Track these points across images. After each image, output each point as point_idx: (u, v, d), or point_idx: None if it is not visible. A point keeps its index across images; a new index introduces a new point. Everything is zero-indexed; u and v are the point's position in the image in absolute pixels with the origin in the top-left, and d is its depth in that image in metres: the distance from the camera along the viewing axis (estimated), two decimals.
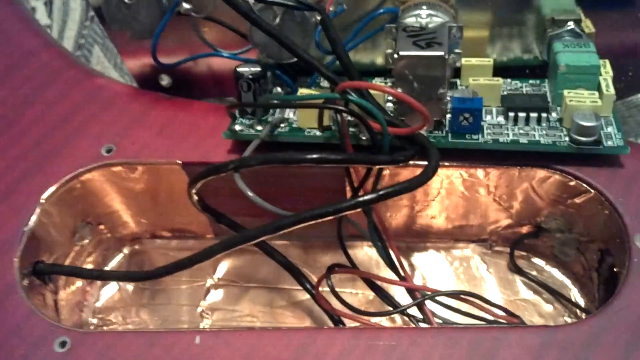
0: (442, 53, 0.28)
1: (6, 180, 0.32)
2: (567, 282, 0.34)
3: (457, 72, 0.33)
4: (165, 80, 0.35)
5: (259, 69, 0.31)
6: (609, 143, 0.29)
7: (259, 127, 0.31)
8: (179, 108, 0.34)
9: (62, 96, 0.34)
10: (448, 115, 0.31)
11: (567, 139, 0.29)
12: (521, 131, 0.30)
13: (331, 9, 0.31)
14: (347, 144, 0.28)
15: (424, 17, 0.31)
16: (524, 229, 0.34)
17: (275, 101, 0.31)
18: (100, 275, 0.35)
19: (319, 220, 0.25)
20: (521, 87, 0.33)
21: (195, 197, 0.30)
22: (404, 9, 0.32)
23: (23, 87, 0.35)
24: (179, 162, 0.32)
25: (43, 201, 0.32)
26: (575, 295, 0.34)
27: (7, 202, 0.32)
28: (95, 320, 0.35)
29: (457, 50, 0.31)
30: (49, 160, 0.33)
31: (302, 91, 0.31)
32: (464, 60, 0.32)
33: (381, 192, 0.25)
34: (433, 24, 0.31)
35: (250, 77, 0.31)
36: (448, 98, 0.30)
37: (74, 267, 0.34)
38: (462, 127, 0.30)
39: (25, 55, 0.36)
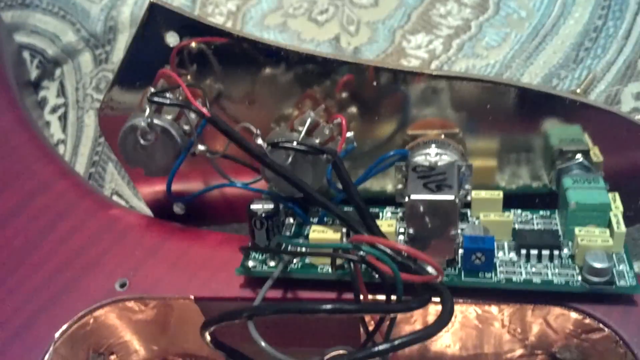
0: (452, 197, 0.28)
1: (21, 316, 0.32)
2: None
3: (467, 204, 0.33)
4: (179, 208, 0.35)
5: (271, 206, 0.32)
6: (622, 283, 0.29)
7: (272, 263, 0.31)
8: (192, 240, 0.34)
9: (77, 228, 0.35)
10: (460, 250, 0.31)
11: (579, 277, 0.29)
12: (534, 269, 0.30)
13: (342, 148, 0.31)
14: (362, 289, 0.28)
15: (432, 155, 0.32)
16: (539, 358, 0.34)
17: (286, 246, 0.32)
18: None
19: None
20: (532, 218, 0.33)
21: (208, 338, 0.30)
22: (413, 147, 0.32)
23: (39, 219, 0.35)
24: (192, 297, 0.32)
25: (57, 338, 0.32)
26: None
27: (21, 339, 0.32)
28: None
29: (467, 187, 0.31)
30: (63, 295, 0.33)
31: (314, 228, 0.31)
32: (473, 193, 0.32)
33: (395, 343, 0.25)
34: (442, 162, 0.31)
35: (263, 215, 0.31)
36: (459, 237, 0.30)
37: None
38: (475, 266, 0.30)
39: (42, 185, 0.37)
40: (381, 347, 0.25)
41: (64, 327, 0.32)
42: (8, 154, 0.38)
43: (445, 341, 0.34)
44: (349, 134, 0.32)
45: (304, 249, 0.31)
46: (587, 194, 0.30)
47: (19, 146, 0.39)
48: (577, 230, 0.30)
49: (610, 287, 0.29)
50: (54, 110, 0.49)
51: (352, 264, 0.28)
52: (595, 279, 0.29)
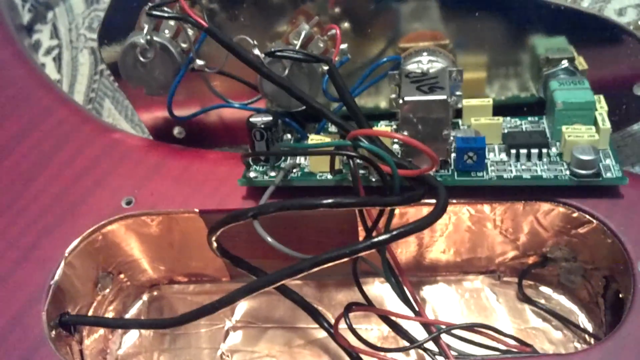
0: (444, 97, 0.30)
1: (31, 235, 0.33)
2: (575, 308, 0.35)
3: (458, 113, 0.34)
4: (178, 131, 0.36)
5: (270, 118, 0.33)
6: (608, 175, 0.30)
7: (273, 174, 0.33)
8: (193, 158, 0.35)
9: (80, 151, 0.36)
10: (453, 155, 0.32)
11: (567, 172, 0.31)
12: (523, 167, 0.31)
13: (337, 59, 0.32)
14: (360, 187, 0.29)
15: (425, 63, 0.33)
16: (531, 259, 0.35)
17: (288, 149, 0.33)
18: (124, 324, 0.36)
19: (337, 262, 0.27)
20: (521, 124, 0.34)
21: (215, 244, 0.31)
22: (405, 56, 0.33)
23: (42, 144, 0.36)
24: (196, 210, 0.33)
25: (67, 255, 0.33)
26: (583, 321, 0.35)
27: (32, 257, 0.33)
28: None
29: (457, 93, 0.32)
30: (70, 214, 0.34)
31: (313, 137, 0.33)
32: (464, 102, 0.33)
33: (394, 232, 0.27)
34: (434, 69, 0.32)
35: (262, 126, 0.32)
36: (452, 138, 0.32)
37: (99, 317, 0.35)
38: (467, 166, 0.31)
39: (42, 112, 0.38)
40: (382, 238, 0.27)
41: (74, 243, 0.33)
42: (8, 85, 0.39)
43: (439, 247, 0.35)
44: (343, 46, 0.33)
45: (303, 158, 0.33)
46: (573, 94, 0.32)
47: (19, 77, 0.39)
48: (564, 127, 0.31)
49: (597, 180, 0.30)
50: (48, 52, 0.50)
51: (350, 162, 0.29)
52: (583, 172, 0.30)
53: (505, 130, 0.34)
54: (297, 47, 0.32)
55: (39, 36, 0.51)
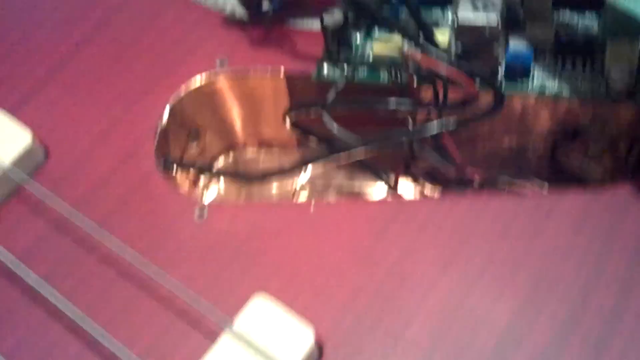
0: (495, 24, 0.32)
1: (136, 88, 0.38)
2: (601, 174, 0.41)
3: None
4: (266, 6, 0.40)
5: (341, 20, 0.35)
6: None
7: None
8: (282, 32, 0.40)
9: (177, 20, 0.41)
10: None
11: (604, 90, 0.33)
12: (566, 78, 0.34)
13: None
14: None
15: None
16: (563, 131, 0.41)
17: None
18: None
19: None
20: (576, 21, 0.35)
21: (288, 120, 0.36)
22: None
23: (141, 14, 0.41)
24: (283, 71, 0.38)
25: (170, 103, 0.38)
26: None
27: (140, 104, 0.38)
28: None
29: None
30: (171, 71, 0.39)
31: (379, 38, 0.36)
32: None
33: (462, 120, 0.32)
34: None
35: (333, 28, 0.35)
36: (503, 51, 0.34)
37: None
38: (515, 74, 0.34)
39: None
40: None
41: (175, 94, 0.38)
42: None
43: None
44: None
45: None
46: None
47: None
48: (608, 42, 0.32)
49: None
50: None
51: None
52: (618, 88, 0.33)
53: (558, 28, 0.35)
54: None
55: None
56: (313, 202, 0.34)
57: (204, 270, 0.32)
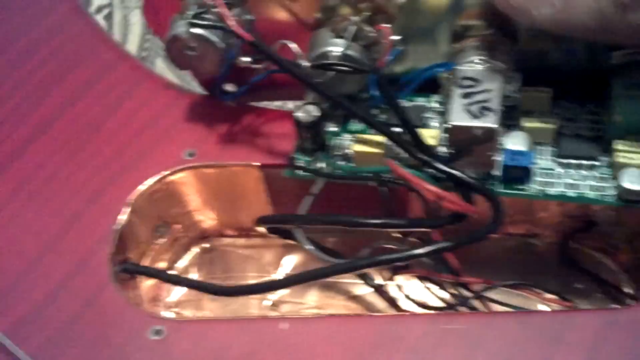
0: (493, 125, 0.28)
1: (95, 183, 0.35)
2: (618, 271, 0.36)
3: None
4: (230, 87, 0.37)
5: (318, 113, 0.32)
6: None
7: (320, 164, 0.32)
8: (253, 115, 0.37)
9: (142, 105, 0.37)
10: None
11: (615, 194, 0.30)
12: (570, 181, 0.31)
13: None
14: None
15: (478, 62, 0.30)
16: (576, 223, 0.36)
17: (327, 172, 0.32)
18: (180, 281, 0.38)
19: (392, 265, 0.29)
20: (579, 114, 0.32)
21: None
22: (459, 53, 0.31)
23: (105, 98, 0.38)
24: (257, 164, 0.35)
25: (131, 202, 0.34)
26: (626, 284, 0.36)
27: (96, 205, 0.34)
28: (171, 314, 0.38)
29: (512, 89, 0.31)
30: (134, 164, 0.35)
31: (359, 138, 0.32)
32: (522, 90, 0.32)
33: (453, 244, 0.28)
34: (488, 71, 0.30)
35: (307, 124, 0.32)
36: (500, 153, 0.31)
37: (159, 270, 0.37)
38: (513, 177, 0.30)
39: (104, 67, 0.39)
40: (442, 245, 0.28)
41: (137, 191, 0.34)
42: (69, 41, 0.40)
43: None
44: (396, 37, 0.31)
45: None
46: (637, 106, 0.29)
47: (79, 32, 0.41)
48: (618, 144, 0.30)
49: None
50: (98, 10, 0.51)
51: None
52: (630, 197, 0.29)
53: (560, 125, 0.31)
54: (348, 39, 0.31)
55: None
56: (286, 324, 0.30)
57: None
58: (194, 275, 0.40)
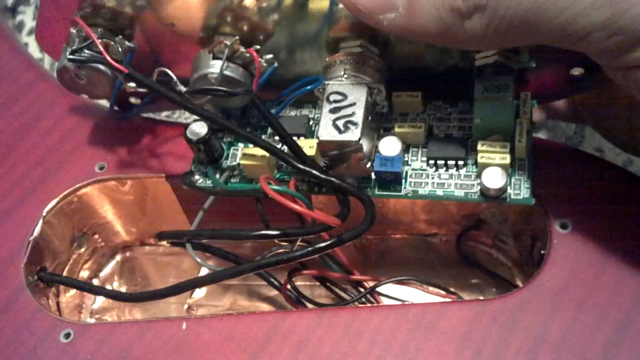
0: (356, 138, 0.30)
1: (10, 198, 0.37)
2: (510, 265, 0.39)
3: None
4: (134, 100, 0.39)
5: (205, 130, 0.33)
6: (517, 196, 0.31)
7: (217, 176, 0.34)
8: (160, 129, 0.39)
9: (58, 122, 0.39)
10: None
11: (478, 191, 0.31)
12: (439, 180, 0.32)
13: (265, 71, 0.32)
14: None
15: (344, 78, 0.31)
16: (468, 222, 0.39)
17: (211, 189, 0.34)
18: (94, 290, 0.40)
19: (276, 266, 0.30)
20: (449, 114, 0.33)
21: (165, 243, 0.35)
22: (328, 67, 0.32)
23: (22, 116, 0.40)
24: (164, 175, 0.37)
25: (45, 214, 0.36)
26: (517, 278, 0.38)
27: (12, 217, 0.36)
28: (93, 321, 0.40)
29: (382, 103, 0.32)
30: (48, 178, 0.37)
31: (245, 152, 0.33)
32: (394, 95, 0.33)
33: (328, 243, 0.29)
34: (354, 87, 0.31)
35: (199, 141, 0.33)
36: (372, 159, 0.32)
37: (73, 279, 0.39)
38: (386, 181, 0.32)
39: (23, 87, 0.41)
40: (319, 246, 0.29)
41: (51, 204, 0.36)
42: None
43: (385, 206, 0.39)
44: (268, 57, 0.32)
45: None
46: (493, 109, 0.31)
47: (1, 55, 0.42)
48: (479, 145, 0.31)
49: (504, 200, 0.31)
50: (31, 32, 0.53)
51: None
52: (491, 194, 0.31)
53: (431, 124, 0.33)
54: (223, 61, 0.32)
55: (22, 17, 0.54)
56: (184, 323, 0.32)
57: None
58: (115, 283, 0.42)
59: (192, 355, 0.31)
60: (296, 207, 0.28)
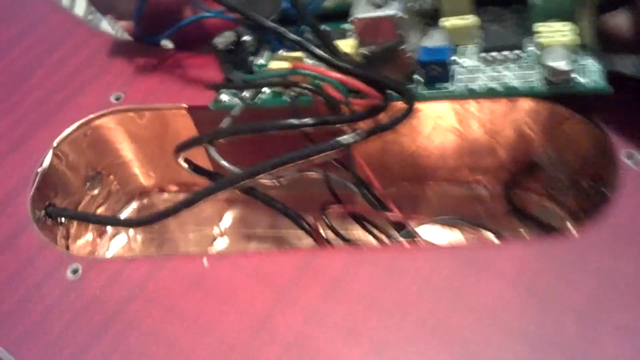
0: (395, 12, 0.27)
1: (20, 129, 0.34)
2: (564, 215, 0.35)
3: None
4: (167, 42, 0.36)
5: (233, 39, 0.31)
6: (588, 82, 0.27)
7: (245, 93, 0.31)
8: (181, 59, 0.36)
9: (72, 53, 0.36)
10: None
11: (542, 80, 0.28)
12: (494, 73, 0.29)
13: None
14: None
15: None
16: (518, 167, 0.35)
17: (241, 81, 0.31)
18: (102, 221, 0.36)
19: (298, 162, 0.26)
20: (503, 15, 0.30)
21: (185, 165, 0.31)
22: None
23: (36, 47, 0.37)
24: (185, 105, 0.34)
25: (55, 145, 0.33)
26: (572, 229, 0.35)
27: (22, 148, 0.33)
28: None
29: None
30: (60, 109, 0.34)
31: (275, 57, 0.31)
32: None
33: (358, 132, 0.26)
34: None
35: (224, 48, 0.31)
36: (414, 51, 0.29)
37: (82, 212, 0.35)
38: (434, 77, 0.29)
39: (37, 19, 0.38)
40: (345, 137, 0.26)
41: (63, 134, 0.33)
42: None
43: (426, 152, 0.35)
44: None
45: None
46: None
47: None
48: (538, 26, 0.28)
49: (573, 88, 0.28)
50: None
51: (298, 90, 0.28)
52: (556, 77, 0.27)
53: (484, 24, 0.30)
54: None
55: None
56: (205, 259, 0.29)
57: (73, 335, 0.27)
58: (130, 231, 0.38)
59: (212, 292, 0.28)
60: (337, 75, 0.25)
